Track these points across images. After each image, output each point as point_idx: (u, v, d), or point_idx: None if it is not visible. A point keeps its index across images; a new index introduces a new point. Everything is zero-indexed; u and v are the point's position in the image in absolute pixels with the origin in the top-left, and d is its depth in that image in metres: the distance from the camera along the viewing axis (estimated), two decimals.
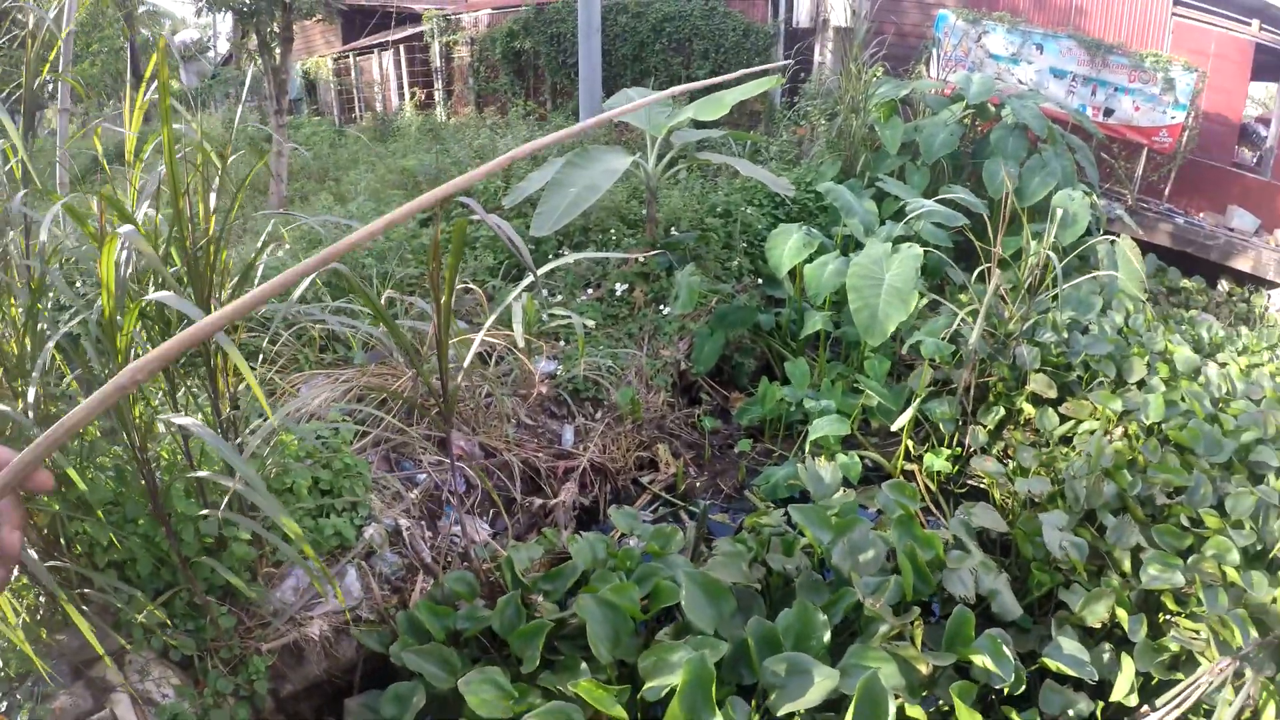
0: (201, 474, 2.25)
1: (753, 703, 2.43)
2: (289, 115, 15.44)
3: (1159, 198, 10.98)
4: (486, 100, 14.55)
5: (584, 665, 2.49)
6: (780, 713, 2.31)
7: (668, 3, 12.26)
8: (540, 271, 2.73)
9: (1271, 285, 10.08)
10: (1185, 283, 9.88)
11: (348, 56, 17.67)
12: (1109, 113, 10.40)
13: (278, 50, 9.81)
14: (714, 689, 2.23)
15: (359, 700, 2.82)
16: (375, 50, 16.83)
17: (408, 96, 15.84)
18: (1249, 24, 10.84)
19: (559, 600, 2.93)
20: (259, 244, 2.87)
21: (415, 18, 15.80)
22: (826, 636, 2.59)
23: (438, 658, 2.67)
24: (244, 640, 3.03)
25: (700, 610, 2.62)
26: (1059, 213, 5.18)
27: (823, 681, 2.32)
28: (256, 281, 3.43)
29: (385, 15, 15.93)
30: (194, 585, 2.86)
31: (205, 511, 2.53)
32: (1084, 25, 10.92)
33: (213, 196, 2.67)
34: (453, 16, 15.23)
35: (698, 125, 6.32)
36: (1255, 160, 12.46)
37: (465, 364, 2.62)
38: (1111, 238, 6.59)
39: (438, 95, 15.54)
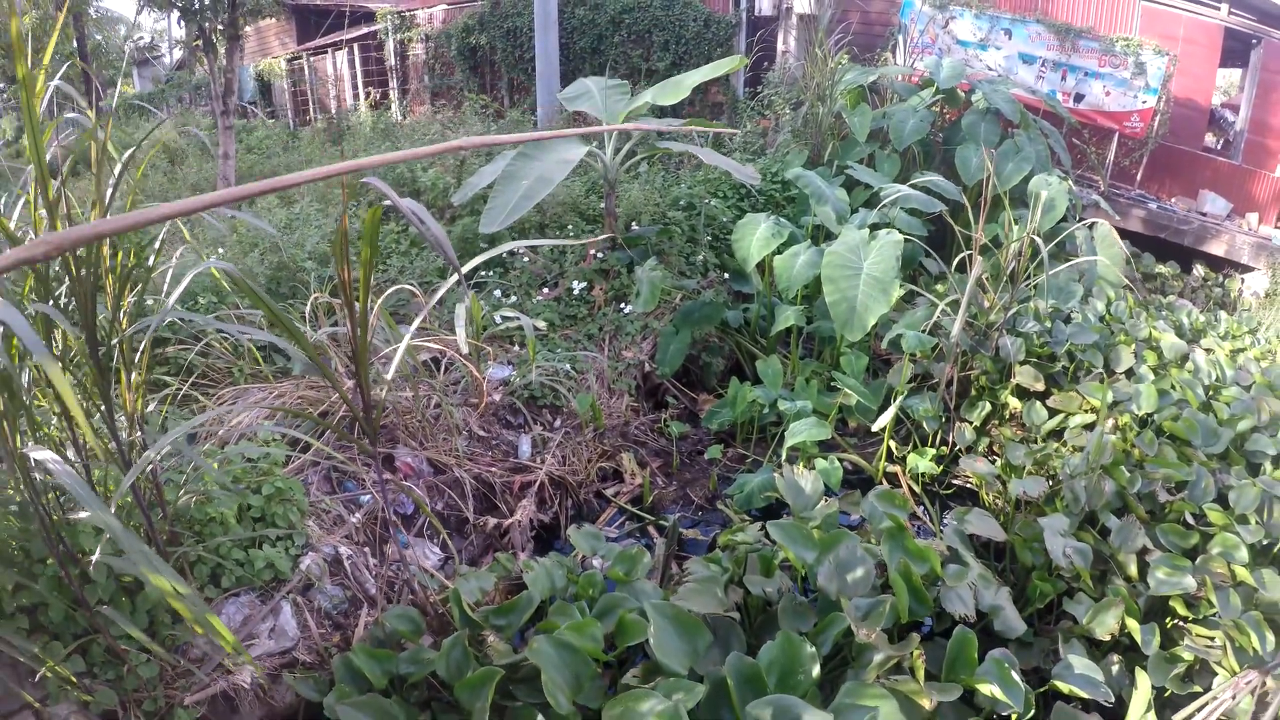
0: (81, 515, 1.91)
1: None
2: (241, 118, 15.02)
3: (1131, 183, 10.84)
4: (442, 98, 14.23)
5: (540, 718, 2.17)
6: None
7: None
8: (474, 263, 2.40)
9: (1246, 269, 9.98)
10: (1160, 268, 9.76)
11: (302, 57, 17.26)
12: (1079, 98, 10.23)
13: (222, 50, 9.44)
14: None
15: None
16: (330, 50, 16.48)
17: (362, 96, 15.46)
18: (1218, 8, 10.71)
19: (514, 636, 2.60)
20: (159, 246, 2.51)
21: (370, 16, 15.46)
22: (815, 671, 2.28)
23: (376, 710, 2.34)
24: (169, 690, 2.69)
25: (671, 648, 2.30)
26: (1042, 195, 4.91)
27: None
28: (165, 290, 3.08)
29: (340, 14, 15.56)
30: (105, 633, 2.52)
31: (95, 557, 2.18)
32: (1051, 9, 10.74)
33: (109, 194, 2.34)
34: (407, 14, 14.92)
35: (658, 114, 5.99)
36: (1222, 145, 12.39)
37: (389, 376, 2.29)
38: (1092, 222, 6.36)
39: (393, 94, 15.18)
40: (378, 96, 15.31)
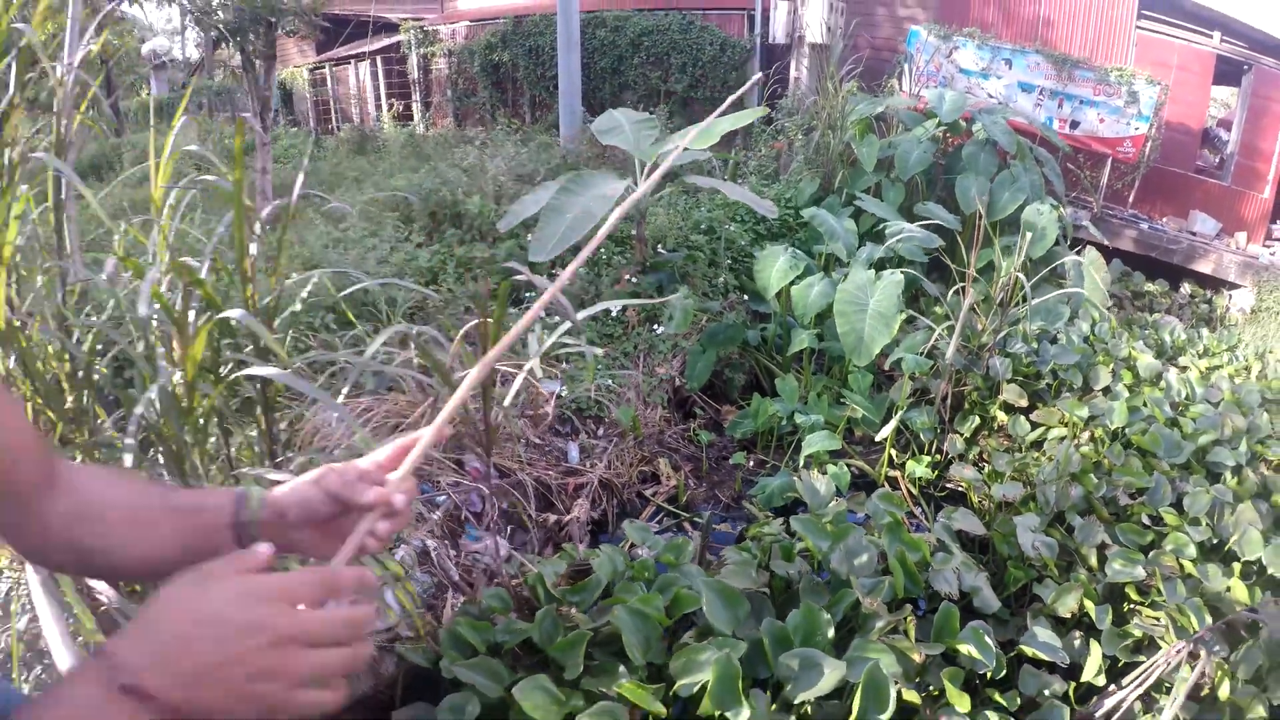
0: None
1: (768, 693, 2.74)
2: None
3: (1124, 205, 11.42)
4: (465, 113, 14.73)
5: (621, 668, 2.79)
6: (796, 700, 2.63)
7: (645, 17, 12.51)
8: (586, 313, 3.04)
9: (1233, 286, 10.54)
10: (1149, 286, 10.30)
11: (324, 67, 17.71)
12: (1075, 124, 10.82)
13: (261, 67, 9.97)
14: (740, 684, 2.54)
15: (404, 713, 3.07)
16: (352, 61, 16.91)
17: (385, 108, 15.94)
18: (1210, 36, 11.29)
19: (586, 610, 3.22)
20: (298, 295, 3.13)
21: (392, 28, 15.88)
22: (831, 633, 2.91)
23: (485, 669, 2.95)
24: None
25: (719, 615, 2.93)
26: (1028, 236, 5.53)
27: (832, 673, 2.64)
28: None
29: (361, 25, 15.97)
30: None
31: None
32: (1050, 37, 11.32)
33: (253, 247, 2.92)
34: (430, 28, 15.35)
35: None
36: (1217, 163, 12.94)
37: (507, 402, 2.91)
38: (1078, 255, 6.97)
39: (416, 107, 15.67)
40: (401, 109, 15.78)
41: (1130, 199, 11.39)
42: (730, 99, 1.87)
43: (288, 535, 1.10)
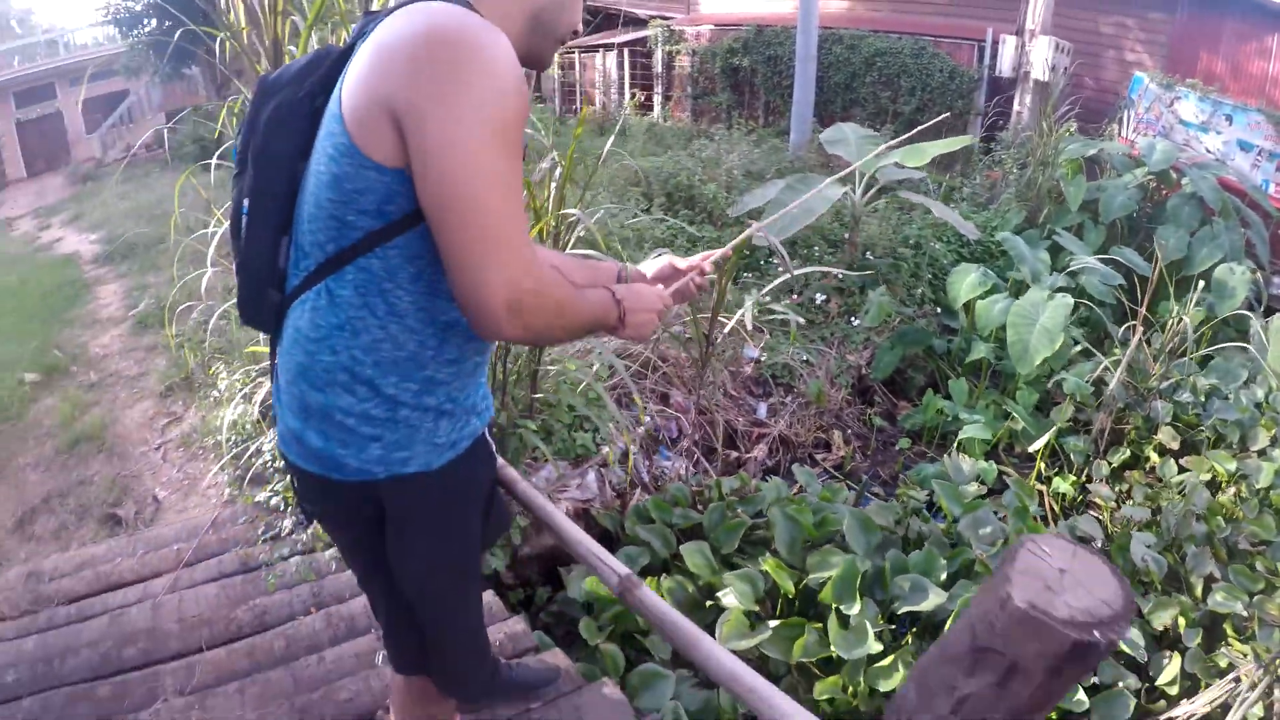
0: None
1: (879, 606, 3.44)
2: None
3: None
4: (702, 110, 15.46)
5: (766, 554, 3.57)
6: (900, 612, 3.34)
7: (880, 39, 12.92)
8: (797, 271, 3.82)
9: None
10: None
11: (573, 52, 18.69)
12: None
13: None
14: (858, 584, 3.27)
15: (579, 565, 3.92)
16: (600, 50, 17.79)
17: (627, 96, 16.81)
18: None
19: (749, 517, 4.01)
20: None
21: (640, 23, 16.67)
22: (944, 576, 3.57)
23: (660, 534, 3.82)
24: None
25: (856, 537, 3.66)
26: (1199, 285, 5.88)
27: (935, 597, 3.32)
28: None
29: (610, 17, 16.89)
30: None
31: None
32: (1277, 96, 10.98)
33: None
34: (676, 28, 16.12)
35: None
36: None
37: (752, 355, 3.72)
38: (1273, 314, 7.07)
39: (656, 99, 16.50)
40: (642, 99, 16.64)
41: None
42: (930, 122, 2.59)
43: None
